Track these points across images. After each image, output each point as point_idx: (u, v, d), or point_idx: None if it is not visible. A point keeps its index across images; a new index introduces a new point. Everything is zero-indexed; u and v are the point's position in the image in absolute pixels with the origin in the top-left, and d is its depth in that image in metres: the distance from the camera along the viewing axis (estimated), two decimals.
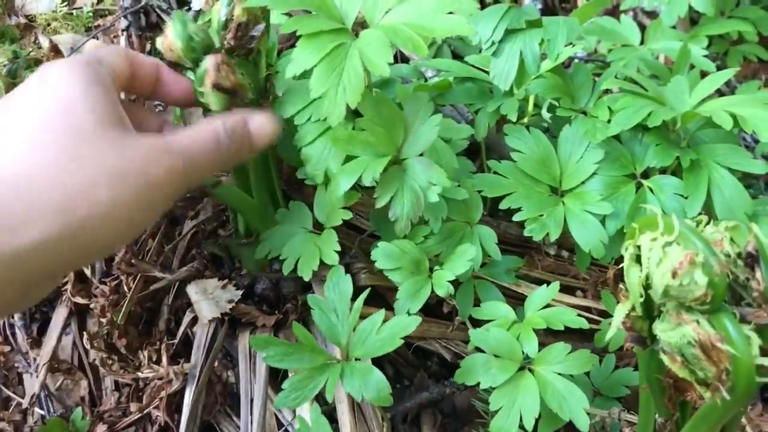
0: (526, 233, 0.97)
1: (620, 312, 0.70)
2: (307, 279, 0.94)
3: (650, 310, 0.72)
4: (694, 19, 1.63)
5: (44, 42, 1.25)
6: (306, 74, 0.89)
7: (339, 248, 0.94)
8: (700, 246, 0.61)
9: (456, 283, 0.98)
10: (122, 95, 0.82)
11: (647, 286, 0.66)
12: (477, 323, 1.02)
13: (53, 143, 0.60)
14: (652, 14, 1.70)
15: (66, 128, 0.62)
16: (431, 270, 0.96)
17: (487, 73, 1.09)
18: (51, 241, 0.58)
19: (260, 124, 0.80)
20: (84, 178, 0.60)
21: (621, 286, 0.74)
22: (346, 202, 0.94)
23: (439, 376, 1.17)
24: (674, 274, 0.62)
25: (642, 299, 0.68)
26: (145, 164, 0.64)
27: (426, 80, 1.20)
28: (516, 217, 0.98)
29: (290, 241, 0.97)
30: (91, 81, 0.66)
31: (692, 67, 1.28)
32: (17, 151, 0.60)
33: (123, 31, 1.38)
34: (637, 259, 0.68)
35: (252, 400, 0.99)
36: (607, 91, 1.15)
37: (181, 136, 0.70)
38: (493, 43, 1.07)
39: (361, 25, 0.93)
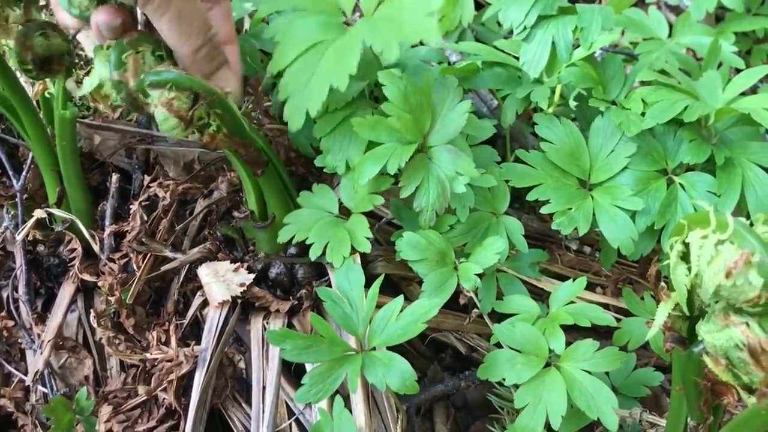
0: (554, 227, 0.94)
1: (663, 311, 0.67)
2: (338, 265, 0.91)
3: (691, 310, 0.69)
4: (718, 16, 1.61)
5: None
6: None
7: (371, 234, 0.91)
8: (756, 245, 0.58)
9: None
10: None
11: (694, 285, 0.64)
12: (498, 317, 0.99)
13: None
14: (676, 9, 1.67)
15: None
16: (458, 261, 0.93)
17: (517, 58, 1.06)
18: None
19: None
20: None
21: (662, 284, 0.71)
22: (378, 188, 0.91)
23: (453, 368, 1.15)
24: (728, 274, 0.59)
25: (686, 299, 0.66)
26: None
27: (450, 64, 1.17)
28: (544, 210, 0.95)
29: (317, 225, 0.94)
30: None
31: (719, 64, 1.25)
32: None
33: None
34: (684, 257, 0.66)
35: (264, 388, 0.96)
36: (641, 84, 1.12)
37: None
38: (524, 28, 1.04)
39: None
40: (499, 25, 1.44)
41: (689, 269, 0.64)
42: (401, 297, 0.86)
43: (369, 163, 0.87)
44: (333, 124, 0.92)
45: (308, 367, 0.88)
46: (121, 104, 0.82)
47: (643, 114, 0.97)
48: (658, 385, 1.02)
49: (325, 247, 0.92)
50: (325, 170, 0.97)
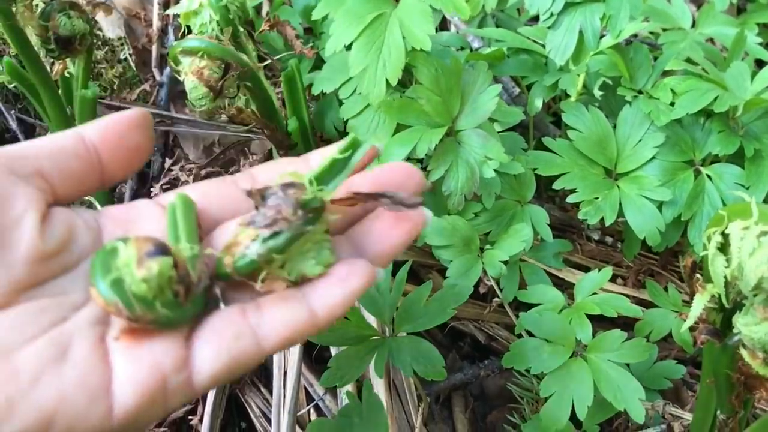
0: (581, 216, 0.93)
1: (699, 303, 0.66)
2: None
3: (727, 302, 0.68)
4: (740, 7, 1.59)
5: None
6: (347, 46, 0.86)
7: None
8: None
9: None
10: None
11: (734, 278, 0.63)
12: (518, 307, 0.98)
13: None
14: (698, 0, 1.65)
15: None
16: (481, 249, 0.92)
17: (542, 46, 1.05)
18: None
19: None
20: None
21: (697, 275, 0.70)
22: None
23: (471, 357, 1.14)
24: None
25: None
26: None
27: (472, 50, 1.16)
28: (570, 199, 0.94)
29: None
30: None
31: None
32: None
33: None
34: (722, 248, 0.65)
35: (285, 373, 0.95)
36: (665, 74, 1.11)
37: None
38: (551, 14, 1.02)
39: None
40: (519, 12, 1.44)
41: (728, 261, 0.63)
42: (429, 283, 0.85)
43: (398, 145, 0.86)
44: (361, 105, 0.91)
45: (333, 351, 0.88)
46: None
47: (671, 104, 0.95)
48: (680, 378, 1.01)
49: None
50: None
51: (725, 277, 0.63)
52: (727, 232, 0.63)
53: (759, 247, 0.60)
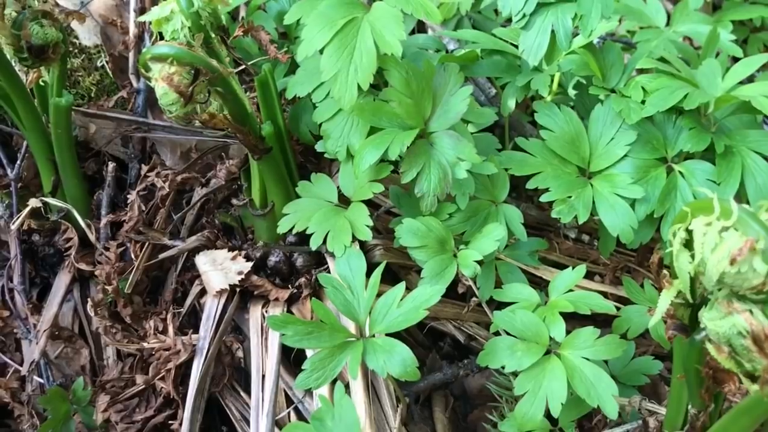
0: (553, 215, 0.94)
1: (665, 299, 0.67)
2: (339, 255, 0.90)
3: (694, 298, 0.69)
4: (715, 4, 1.60)
5: None
6: (320, 50, 0.87)
7: (371, 223, 0.90)
8: (761, 232, 0.58)
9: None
10: None
11: (698, 273, 0.64)
12: (497, 305, 0.99)
13: None
14: None
15: None
16: (455, 249, 0.93)
17: (516, 46, 1.05)
18: None
19: None
20: None
21: (664, 272, 0.71)
22: (377, 176, 0.91)
23: (451, 357, 1.15)
24: (732, 261, 0.59)
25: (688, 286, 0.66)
26: None
27: (447, 52, 1.16)
28: (543, 198, 0.95)
29: (317, 214, 0.93)
30: None
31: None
32: None
33: None
34: (687, 244, 0.65)
35: (263, 376, 0.96)
36: (640, 72, 1.12)
37: None
38: (523, 15, 1.03)
39: None
40: (496, 13, 1.44)
41: (692, 256, 0.63)
42: (402, 284, 0.85)
43: (370, 147, 0.87)
44: (334, 109, 0.92)
45: (308, 353, 0.88)
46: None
47: (643, 102, 0.96)
48: (657, 374, 1.02)
49: (326, 236, 0.92)
50: (325, 155, 0.97)
51: (690, 272, 0.64)
52: (690, 228, 0.64)
53: (720, 242, 0.60)
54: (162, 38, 0.94)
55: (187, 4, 0.88)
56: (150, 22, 0.94)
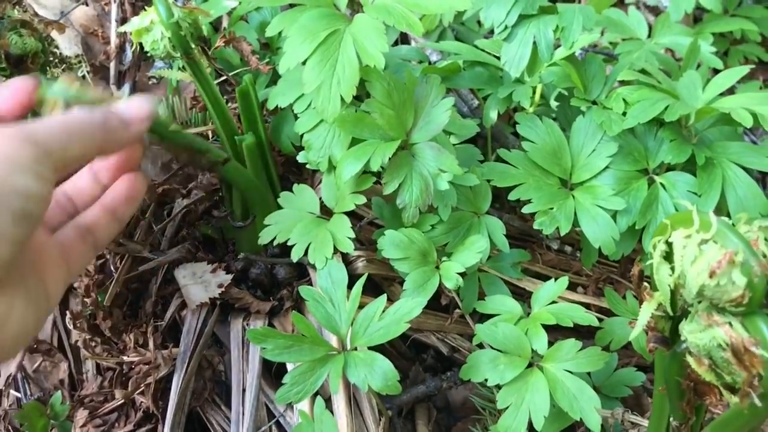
0: (535, 226, 0.94)
1: (646, 311, 0.67)
2: (320, 267, 0.89)
3: (674, 310, 0.69)
4: (696, 16, 1.62)
5: (33, 4, 1.19)
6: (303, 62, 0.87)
7: (353, 234, 0.90)
8: (739, 245, 0.58)
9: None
10: None
11: (678, 285, 0.64)
12: (480, 317, 0.98)
13: None
14: (654, 10, 1.68)
15: None
16: (438, 261, 0.93)
17: (498, 58, 1.05)
18: None
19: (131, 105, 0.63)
20: None
21: (645, 284, 0.71)
22: (359, 187, 0.90)
23: (435, 369, 1.14)
24: (711, 274, 0.59)
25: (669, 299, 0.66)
26: None
27: (430, 63, 1.17)
28: (525, 210, 0.95)
29: (298, 225, 0.93)
30: None
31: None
32: None
33: None
34: (667, 257, 0.65)
35: (244, 390, 0.95)
36: (621, 84, 1.12)
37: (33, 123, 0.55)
38: (505, 27, 1.03)
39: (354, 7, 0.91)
40: (480, 24, 1.45)
41: (672, 269, 0.63)
42: (384, 296, 0.85)
43: (352, 159, 0.86)
44: (316, 119, 0.91)
45: (289, 367, 0.87)
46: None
47: (624, 113, 0.97)
48: (640, 385, 1.02)
49: (307, 248, 0.91)
50: (307, 166, 0.96)
51: (670, 285, 0.64)
52: (670, 240, 0.64)
53: (700, 255, 0.60)
54: (142, 49, 0.94)
55: (167, 15, 0.87)
56: (130, 33, 0.94)
